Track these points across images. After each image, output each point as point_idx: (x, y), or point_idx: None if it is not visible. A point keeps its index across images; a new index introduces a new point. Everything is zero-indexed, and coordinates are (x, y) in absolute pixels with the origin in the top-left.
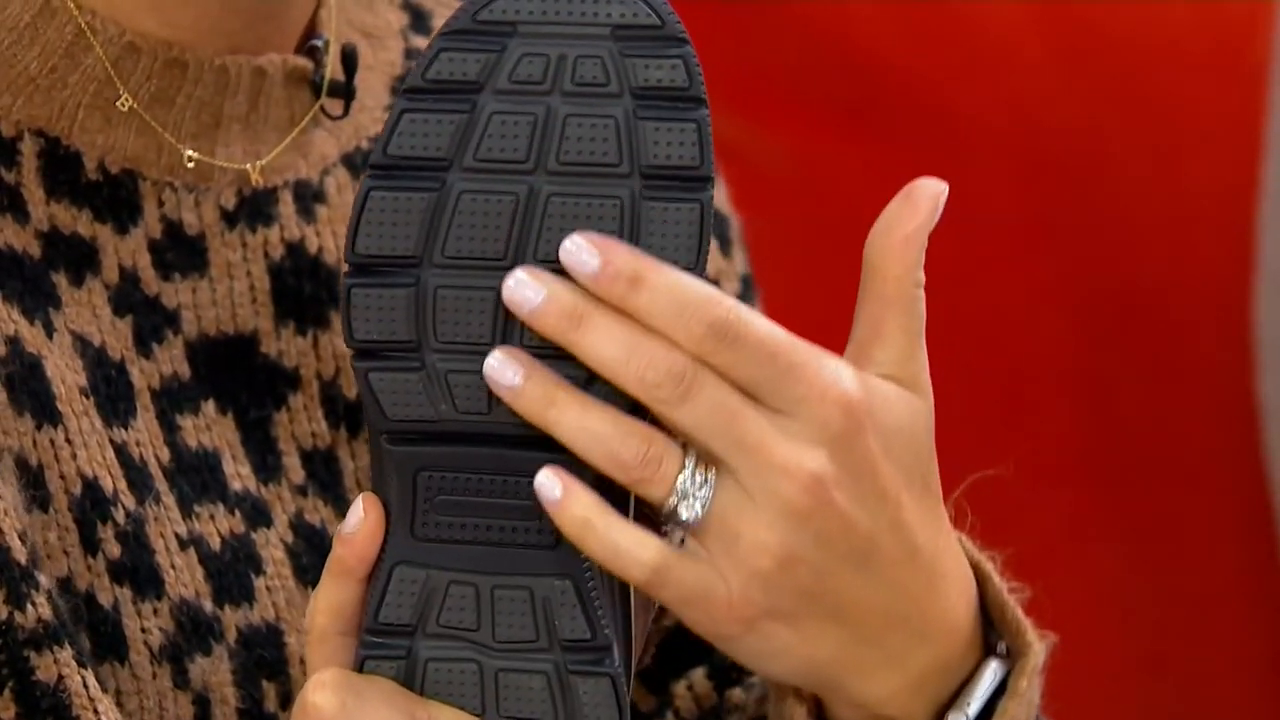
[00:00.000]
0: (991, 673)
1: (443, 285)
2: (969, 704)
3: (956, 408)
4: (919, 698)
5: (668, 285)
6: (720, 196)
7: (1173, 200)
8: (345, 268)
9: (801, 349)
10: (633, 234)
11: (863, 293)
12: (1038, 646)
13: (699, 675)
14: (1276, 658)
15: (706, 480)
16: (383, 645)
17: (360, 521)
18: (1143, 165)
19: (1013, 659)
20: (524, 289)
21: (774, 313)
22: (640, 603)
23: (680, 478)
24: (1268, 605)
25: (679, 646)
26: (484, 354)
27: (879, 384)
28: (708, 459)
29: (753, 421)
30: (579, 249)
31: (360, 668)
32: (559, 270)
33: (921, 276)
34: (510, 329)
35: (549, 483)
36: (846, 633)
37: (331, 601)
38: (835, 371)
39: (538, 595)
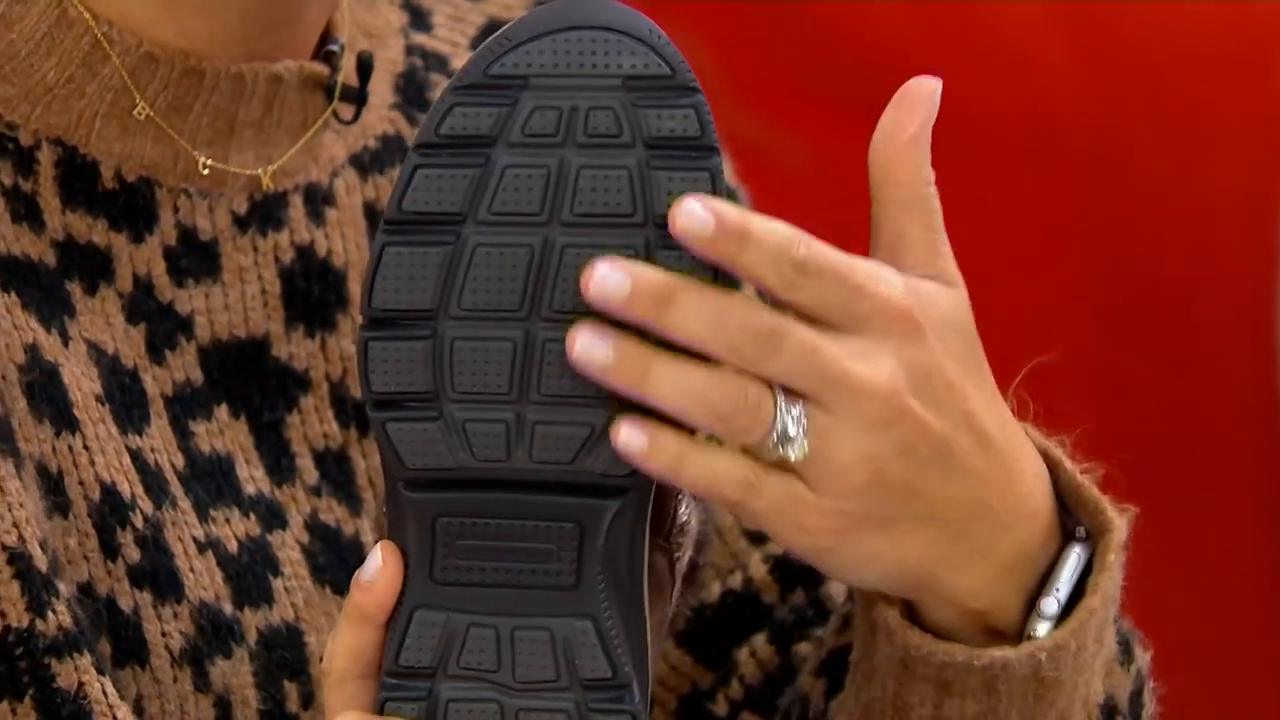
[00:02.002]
0: (1076, 556)
1: (459, 337)
2: (1058, 588)
3: None
4: (1008, 586)
5: (765, 234)
6: (727, 170)
7: (1194, 199)
8: (362, 320)
9: (860, 266)
10: None
11: (877, 201)
12: (1119, 521)
13: (760, 640)
14: None
15: (799, 416)
16: (403, 687)
17: (379, 569)
18: (1164, 165)
19: (1095, 537)
20: (611, 278)
21: None
22: (656, 638)
23: (777, 418)
24: None
25: (736, 615)
26: (501, 403)
27: (921, 284)
28: (793, 392)
29: (831, 354)
30: (699, 210)
31: (381, 710)
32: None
33: (931, 174)
34: (527, 378)
35: (634, 436)
36: (935, 531)
37: (350, 645)
38: (889, 281)
39: (558, 635)
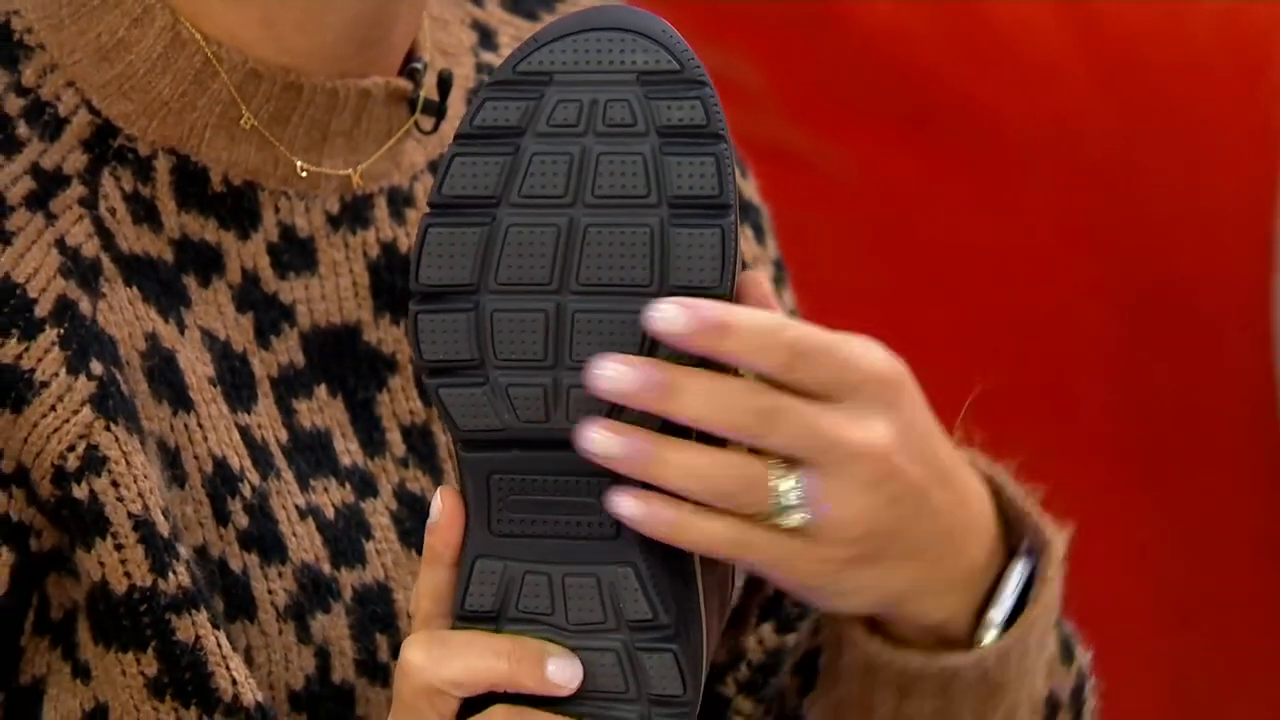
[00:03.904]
0: (1019, 570)
1: (498, 309)
2: (1004, 599)
3: (1006, 394)
4: (961, 600)
5: (748, 326)
6: (750, 189)
7: (1200, 203)
8: (412, 295)
9: (842, 339)
10: (662, 258)
11: None
12: (1058, 538)
13: (768, 629)
14: None
15: (796, 485)
16: (471, 630)
17: (440, 510)
18: (1173, 171)
19: (1037, 553)
20: (619, 378)
21: (839, 309)
22: (711, 582)
23: (774, 486)
24: None
25: (753, 606)
26: (538, 369)
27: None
28: (786, 460)
29: (828, 423)
30: (672, 311)
31: None
32: (602, 291)
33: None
34: (560, 345)
35: (629, 505)
36: (915, 563)
37: (429, 587)
38: (869, 349)
39: (604, 581)
